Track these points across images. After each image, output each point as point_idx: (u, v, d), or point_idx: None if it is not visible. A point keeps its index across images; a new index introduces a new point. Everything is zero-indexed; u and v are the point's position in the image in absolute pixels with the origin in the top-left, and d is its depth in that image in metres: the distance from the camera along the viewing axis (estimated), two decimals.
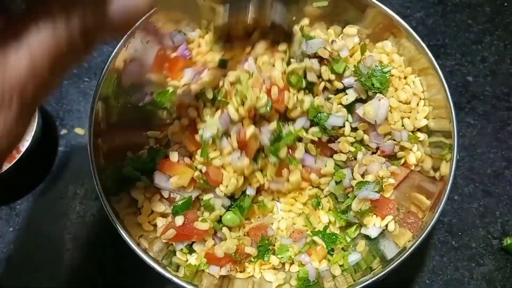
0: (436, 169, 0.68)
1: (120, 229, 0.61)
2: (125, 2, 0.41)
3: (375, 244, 0.69)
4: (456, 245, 0.79)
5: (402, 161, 0.71)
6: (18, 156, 0.77)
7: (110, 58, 0.69)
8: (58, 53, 0.37)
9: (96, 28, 0.39)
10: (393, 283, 0.76)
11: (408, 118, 0.71)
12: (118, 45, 0.70)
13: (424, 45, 0.69)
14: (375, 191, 0.67)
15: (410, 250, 0.60)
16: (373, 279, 0.60)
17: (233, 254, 0.66)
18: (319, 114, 0.70)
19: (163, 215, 0.69)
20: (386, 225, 0.68)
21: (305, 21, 0.79)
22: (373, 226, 0.69)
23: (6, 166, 0.76)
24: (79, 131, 0.87)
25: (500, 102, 0.89)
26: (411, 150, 0.71)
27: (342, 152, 0.71)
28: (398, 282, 0.77)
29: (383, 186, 0.68)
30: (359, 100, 0.71)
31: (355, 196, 0.67)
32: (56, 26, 0.36)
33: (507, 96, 0.90)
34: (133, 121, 0.73)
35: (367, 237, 0.70)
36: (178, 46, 0.76)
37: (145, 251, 0.62)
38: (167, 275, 0.61)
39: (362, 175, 0.69)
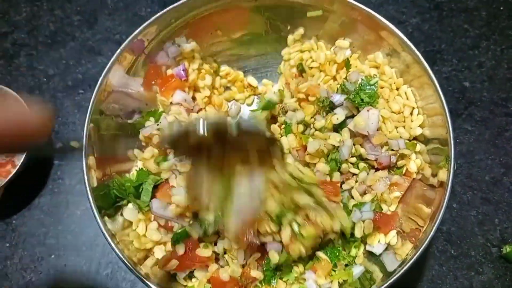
0: (435, 175, 0.67)
1: (117, 252, 0.60)
2: None
3: (375, 257, 0.68)
4: (455, 253, 0.78)
5: (404, 170, 0.71)
6: (13, 171, 0.76)
7: (104, 72, 0.69)
8: None
9: None
10: None
11: (403, 127, 0.71)
12: (113, 58, 0.69)
13: (419, 53, 0.68)
14: (373, 210, 0.66)
15: (410, 262, 0.60)
16: None
17: (239, 277, 0.65)
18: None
19: (159, 243, 0.68)
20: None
21: (300, 31, 0.79)
22: (377, 243, 0.68)
23: (2, 182, 0.76)
24: (74, 144, 0.87)
25: (497, 107, 0.89)
26: (410, 158, 0.70)
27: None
28: None
29: (381, 205, 0.68)
30: (351, 117, 0.71)
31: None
32: None
33: (505, 102, 0.89)
34: (124, 139, 0.73)
35: (369, 252, 0.70)
36: (173, 58, 0.76)
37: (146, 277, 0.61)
38: None
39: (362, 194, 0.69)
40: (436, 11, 0.98)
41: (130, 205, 0.68)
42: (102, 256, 0.79)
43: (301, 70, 0.78)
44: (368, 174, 0.69)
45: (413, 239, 0.65)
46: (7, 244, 0.81)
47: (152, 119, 0.73)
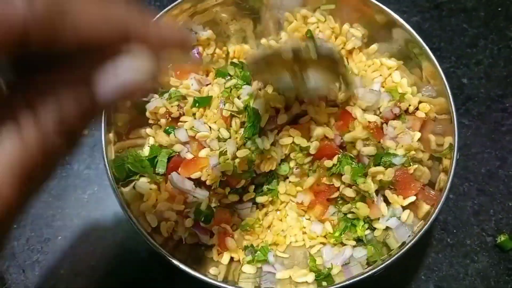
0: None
1: (133, 219, 0.62)
2: (117, 81, 0.30)
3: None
4: (452, 242, 0.80)
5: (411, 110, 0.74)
6: None
7: None
8: (29, 166, 0.28)
9: (79, 121, 0.30)
10: (389, 279, 0.77)
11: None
12: None
13: (430, 52, 0.72)
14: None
15: (409, 244, 0.61)
16: (372, 271, 0.61)
17: None
18: None
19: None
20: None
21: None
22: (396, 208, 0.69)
23: None
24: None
25: (494, 103, 0.92)
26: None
27: None
28: (394, 279, 0.78)
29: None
30: None
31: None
32: (24, 132, 0.27)
33: (501, 98, 0.92)
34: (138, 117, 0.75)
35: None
36: None
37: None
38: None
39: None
40: (436, 10, 1.01)
41: (143, 178, 0.70)
42: (108, 239, 0.81)
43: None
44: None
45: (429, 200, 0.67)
46: (15, 226, 0.82)
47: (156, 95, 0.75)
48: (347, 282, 0.60)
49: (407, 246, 0.61)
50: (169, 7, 0.74)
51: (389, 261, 0.60)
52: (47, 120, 0.28)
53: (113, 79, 0.30)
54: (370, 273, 0.60)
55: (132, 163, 0.67)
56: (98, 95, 0.30)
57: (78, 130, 0.31)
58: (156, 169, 0.70)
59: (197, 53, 0.77)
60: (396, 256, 0.60)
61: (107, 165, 0.64)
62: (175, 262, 0.60)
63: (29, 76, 0.28)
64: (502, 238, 0.80)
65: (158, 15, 0.73)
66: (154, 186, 0.70)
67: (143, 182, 0.69)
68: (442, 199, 0.63)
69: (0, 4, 0.23)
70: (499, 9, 1.01)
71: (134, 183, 0.69)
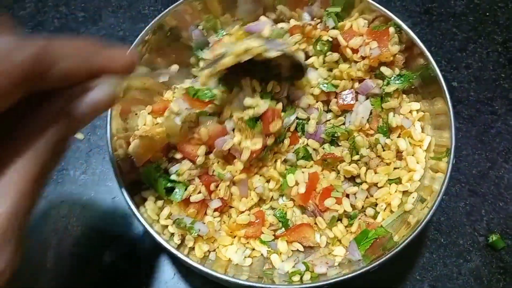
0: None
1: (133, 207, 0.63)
2: (91, 100, 0.40)
3: None
4: (445, 242, 0.82)
5: None
6: None
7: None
8: (38, 178, 0.37)
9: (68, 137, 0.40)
10: (385, 279, 0.79)
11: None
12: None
13: (430, 57, 0.73)
14: None
15: (405, 243, 0.62)
16: (367, 268, 0.61)
17: None
18: None
19: None
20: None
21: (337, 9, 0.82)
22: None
23: None
24: (79, 136, 0.89)
25: (483, 106, 0.94)
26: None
27: None
28: (389, 279, 0.80)
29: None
30: None
31: None
32: (30, 151, 0.36)
33: (490, 101, 0.94)
34: None
35: None
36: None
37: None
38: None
39: None
40: (427, 15, 1.04)
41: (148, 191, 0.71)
42: (105, 244, 0.81)
43: None
44: None
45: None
46: None
47: None
48: (341, 278, 0.61)
49: (401, 245, 0.62)
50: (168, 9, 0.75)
51: (384, 258, 0.61)
52: (49, 143, 0.37)
53: (86, 100, 0.40)
54: (364, 269, 0.61)
55: (145, 175, 0.69)
56: (73, 114, 0.39)
57: (63, 146, 0.40)
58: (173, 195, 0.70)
59: None
60: (391, 253, 0.61)
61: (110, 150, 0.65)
62: (191, 262, 0.61)
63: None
64: (493, 237, 0.81)
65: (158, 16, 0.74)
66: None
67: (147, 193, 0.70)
68: (437, 202, 0.64)
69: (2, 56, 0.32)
70: (487, 14, 1.04)
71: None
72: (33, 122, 0.37)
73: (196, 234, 0.67)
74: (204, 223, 0.71)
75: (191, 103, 0.68)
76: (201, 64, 0.82)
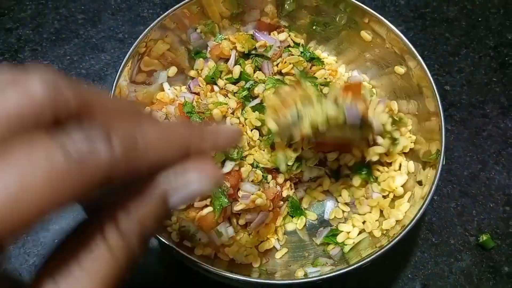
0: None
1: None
2: (185, 192, 0.33)
3: None
4: (436, 242, 0.84)
5: None
6: None
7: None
8: (119, 277, 0.30)
9: (154, 225, 0.32)
10: (376, 278, 0.80)
11: None
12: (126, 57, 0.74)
13: (422, 61, 0.74)
14: None
15: (397, 238, 0.63)
16: (358, 264, 0.62)
17: None
18: None
19: None
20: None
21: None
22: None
23: None
24: None
25: (475, 109, 0.96)
26: None
27: None
28: (381, 277, 0.81)
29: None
30: None
31: None
32: (111, 245, 0.29)
33: (482, 104, 0.96)
34: None
35: None
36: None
37: None
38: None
39: None
40: (420, 20, 1.06)
41: None
42: None
43: None
44: None
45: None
46: None
47: None
48: (332, 274, 0.61)
49: (392, 242, 0.63)
50: (167, 12, 0.77)
51: (377, 254, 0.62)
52: (130, 229, 0.30)
53: (182, 191, 0.33)
54: (357, 265, 0.62)
55: None
56: (169, 203, 0.33)
57: (151, 233, 0.34)
58: None
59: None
60: (383, 249, 0.62)
61: None
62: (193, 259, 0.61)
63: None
64: (484, 237, 0.83)
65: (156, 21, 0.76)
66: None
67: None
68: (427, 200, 0.66)
69: (86, 155, 0.25)
70: (479, 19, 1.06)
71: None
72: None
73: (196, 243, 0.69)
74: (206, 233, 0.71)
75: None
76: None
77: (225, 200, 0.68)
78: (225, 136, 0.38)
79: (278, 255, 0.75)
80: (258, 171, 0.72)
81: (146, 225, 0.31)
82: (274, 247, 0.75)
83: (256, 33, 0.84)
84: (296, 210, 0.77)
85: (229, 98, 0.79)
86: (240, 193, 0.70)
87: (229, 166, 0.70)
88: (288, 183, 0.76)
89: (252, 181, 0.72)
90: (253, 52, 0.82)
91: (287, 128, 0.63)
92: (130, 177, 0.28)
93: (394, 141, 0.75)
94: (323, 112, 0.61)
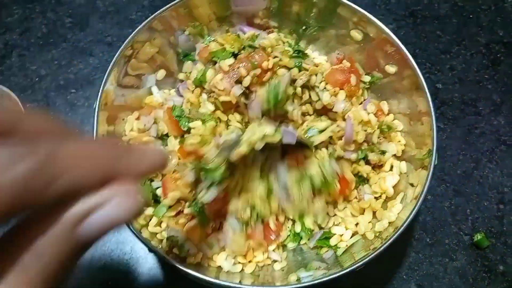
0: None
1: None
2: (100, 221, 0.30)
3: None
4: (431, 241, 0.83)
5: None
6: None
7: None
8: None
9: (63, 267, 0.30)
10: (371, 279, 0.80)
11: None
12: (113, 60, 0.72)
13: (413, 62, 0.74)
14: None
15: (390, 241, 0.63)
16: (353, 267, 0.62)
17: None
18: None
19: None
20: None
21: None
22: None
23: None
24: None
25: (468, 107, 0.95)
26: None
27: None
28: (376, 278, 0.81)
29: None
30: None
31: None
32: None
33: (474, 102, 0.96)
34: None
35: None
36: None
37: None
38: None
39: None
40: (411, 18, 1.05)
41: None
42: (94, 249, 0.81)
43: None
44: None
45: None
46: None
47: None
48: (325, 278, 0.61)
49: (386, 244, 0.62)
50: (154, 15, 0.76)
51: (370, 257, 0.62)
52: (31, 274, 0.28)
53: (97, 219, 0.30)
54: (351, 268, 0.61)
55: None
56: (81, 235, 0.30)
57: (64, 274, 0.31)
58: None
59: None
60: (376, 252, 0.62)
61: None
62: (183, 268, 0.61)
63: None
64: (478, 236, 0.83)
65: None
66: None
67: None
68: (420, 201, 0.65)
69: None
70: (471, 16, 1.06)
71: None
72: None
73: (185, 254, 0.68)
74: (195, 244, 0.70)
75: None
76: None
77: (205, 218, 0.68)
78: (150, 160, 0.35)
79: (277, 266, 0.72)
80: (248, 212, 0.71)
81: (45, 260, 0.28)
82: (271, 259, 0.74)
83: (243, 28, 0.84)
84: (294, 237, 0.76)
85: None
86: (225, 227, 0.70)
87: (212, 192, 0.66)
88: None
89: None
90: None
91: (226, 149, 0.63)
92: (45, 199, 0.27)
93: (382, 153, 0.76)
94: (260, 132, 0.63)
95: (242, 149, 0.62)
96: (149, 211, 0.70)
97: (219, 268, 0.70)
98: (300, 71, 0.76)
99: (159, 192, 0.71)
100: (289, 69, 0.75)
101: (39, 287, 0.28)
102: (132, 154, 0.33)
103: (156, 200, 0.71)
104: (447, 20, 1.05)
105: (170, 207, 0.69)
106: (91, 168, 0.30)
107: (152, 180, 0.72)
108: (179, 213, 0.69)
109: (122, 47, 0.73)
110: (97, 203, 0.30)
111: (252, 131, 0.64)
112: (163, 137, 0.78)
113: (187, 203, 0.69)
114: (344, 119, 0.76)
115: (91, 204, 0.30)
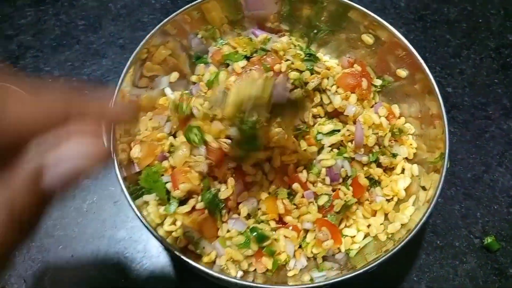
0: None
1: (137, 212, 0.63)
2: (63, 170, 0.30)
3: None
4: (441, 244, 0.84)
5: None
6: None
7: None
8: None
9: (30, 211, 0.32)
10: (382, 280, 0.80)
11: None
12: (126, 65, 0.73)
13: (425, 66, 0.75)
14: None
15: (403, 243, 0.63)
16: (366, 268, 0.62)
17: None
18: None
19: None
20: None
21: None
22: None
23: None
24: None
25: (478, 111, 0.96)
26: None
27: None
28: (387, 279, 0.81)
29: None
30: None
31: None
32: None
33: (484, 106, 0.96)
34: None
35: None
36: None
37: None
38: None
39: None
40: (421, 22, 1.06)
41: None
42: (108, 247, 0.82)
43: None
44: None
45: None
46: None
47: None
48: (342, 278, 0.62)
49: (398, 247, 0.63)
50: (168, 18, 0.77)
51: (382, 258, 0.62)
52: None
53: (59, 168, 0.30)
54: (363, 270, 0.62)
55: (144, 178, 0.70)
56: (45, 185, 0.30)
57: (33, 219, 0.32)
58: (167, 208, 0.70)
59: None
60: (388, 255, 0.62)
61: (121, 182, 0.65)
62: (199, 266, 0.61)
63: None
64: (489, 239, 0.83)
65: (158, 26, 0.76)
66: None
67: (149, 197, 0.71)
68: (433, 204, 0.65)
69: None
70: (480, 21, 1.06)
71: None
72: None
73: (200, 251, 0.69)
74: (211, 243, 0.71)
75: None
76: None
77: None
78: (117, 107, 0.37)
79: (290, 273, 0.71)
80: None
81: (14, 211, 0.29)
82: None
83: (255, 31, 0.85)
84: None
85: None
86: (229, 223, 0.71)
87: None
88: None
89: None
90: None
91: (214, 104, 0.62)
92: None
93: (393, 156, 0.77)
94: (249, 88, 0.59)
95: (229, 109, 0.60)
96: (161, 210, 0.70)
97: None
98: (312, 74, 0.77)
99: (168, 186, 0.71)
100: (300, 72, 0.76)
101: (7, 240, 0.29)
102: (85, 97, 0.33)
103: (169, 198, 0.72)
104: (456, 24, 1.06)
105: (181, 202, 0.69)
106: (45, 104, 0.30)
107: (161, 175, 0.73)
108: (192, 210, 0.70)
109: (137, 49, 0.73)
110: (53, 144, 0.30)
111: (240, 86, 0.60)
112: (176, 134, 0.78)
113: (199, 198, 0.69)
114: (354, 123, 0.77)
115: (46, 147, 0.30)
